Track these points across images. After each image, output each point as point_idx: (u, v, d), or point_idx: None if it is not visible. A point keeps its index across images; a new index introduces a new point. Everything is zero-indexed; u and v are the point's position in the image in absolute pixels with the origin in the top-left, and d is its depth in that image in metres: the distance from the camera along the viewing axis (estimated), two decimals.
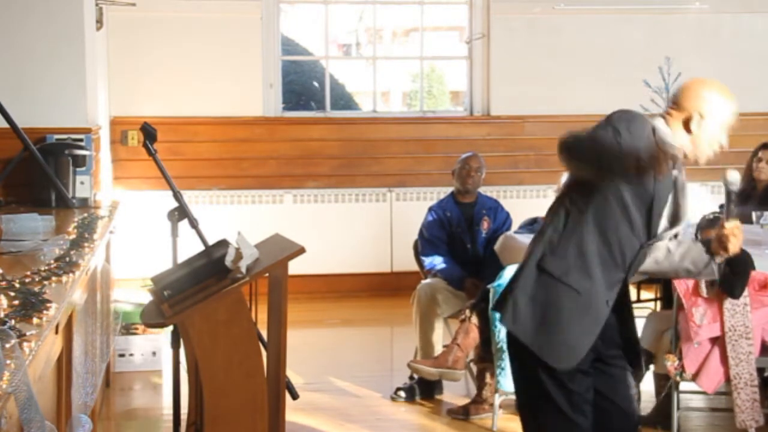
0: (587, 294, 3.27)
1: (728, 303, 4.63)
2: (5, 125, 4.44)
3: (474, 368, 5.46)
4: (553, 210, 3.39)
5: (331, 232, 8.21)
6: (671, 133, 3.30)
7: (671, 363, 4.73)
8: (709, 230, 4.73)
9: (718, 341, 4.68)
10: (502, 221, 6.04)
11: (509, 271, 5.03)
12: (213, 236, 3.65)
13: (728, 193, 3.40)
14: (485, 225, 5.98)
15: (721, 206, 6.16)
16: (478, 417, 5.21)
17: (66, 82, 5.86)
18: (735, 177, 3.40)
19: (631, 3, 8.52)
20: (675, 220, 3.39)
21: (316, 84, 9.16)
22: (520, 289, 3.30)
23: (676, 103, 3.38)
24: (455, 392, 5.62)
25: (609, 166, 3.10)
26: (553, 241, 3.30)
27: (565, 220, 3.31)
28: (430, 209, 6.07)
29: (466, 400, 5.38)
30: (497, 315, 3.67)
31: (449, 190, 6.18)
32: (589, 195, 3.26)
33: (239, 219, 7.83)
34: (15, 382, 2.05)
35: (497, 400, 5.07)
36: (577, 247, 3.27)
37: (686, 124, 3.32)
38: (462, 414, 5.25)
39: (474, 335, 5.25)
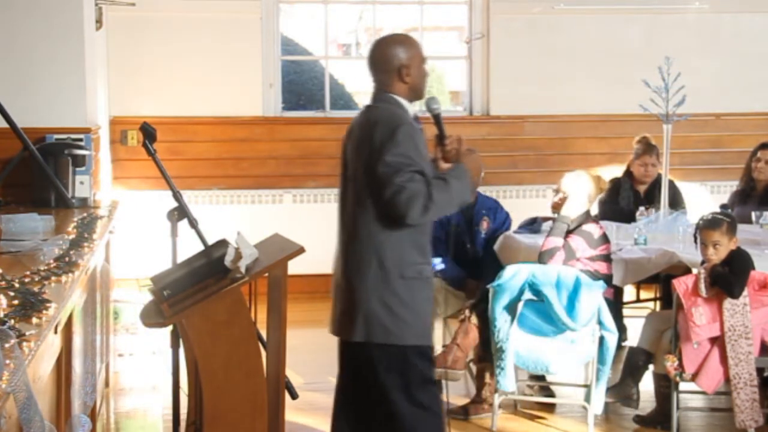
0: None
1: (728, 303, 4.63)
2: (5, 125, 4.44)
3: (474, 368, 5.46)
4: None
5: (330, 232, 8.15)
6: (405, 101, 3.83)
7: (671, 363, 4.72)
8: (710, 230, 4.74)
9: (718, 341, 4.68)
10: (502, 221, 6.03)
11: (509, 271, 5.02)
12: (213, 236, 3.65)
13: (435, 117, 3.83)
14: (485, 225, 5.98)
15: (723, 206, 6.18)
16: (478, 417, 5.21)
17: (66, 82, 5.86)
18: (436, 101, 3.81)
19: (631, 3, 8.51)
20: None
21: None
22: None
23: (382, 73, 3.98)
24: (455, 392, 5.61)
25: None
26: None
27: None
28: None
29: (466, 400, 5.37)
30: None
31: None
32: None
33: (239, 219, 7.82)
34: (14, 382, 2.05)
35: (497, 399, 5.07)
36: None
37: (400, 79, 3.84)
38: (461, 414, 5.25)
39: (474, 335, 5.25)
